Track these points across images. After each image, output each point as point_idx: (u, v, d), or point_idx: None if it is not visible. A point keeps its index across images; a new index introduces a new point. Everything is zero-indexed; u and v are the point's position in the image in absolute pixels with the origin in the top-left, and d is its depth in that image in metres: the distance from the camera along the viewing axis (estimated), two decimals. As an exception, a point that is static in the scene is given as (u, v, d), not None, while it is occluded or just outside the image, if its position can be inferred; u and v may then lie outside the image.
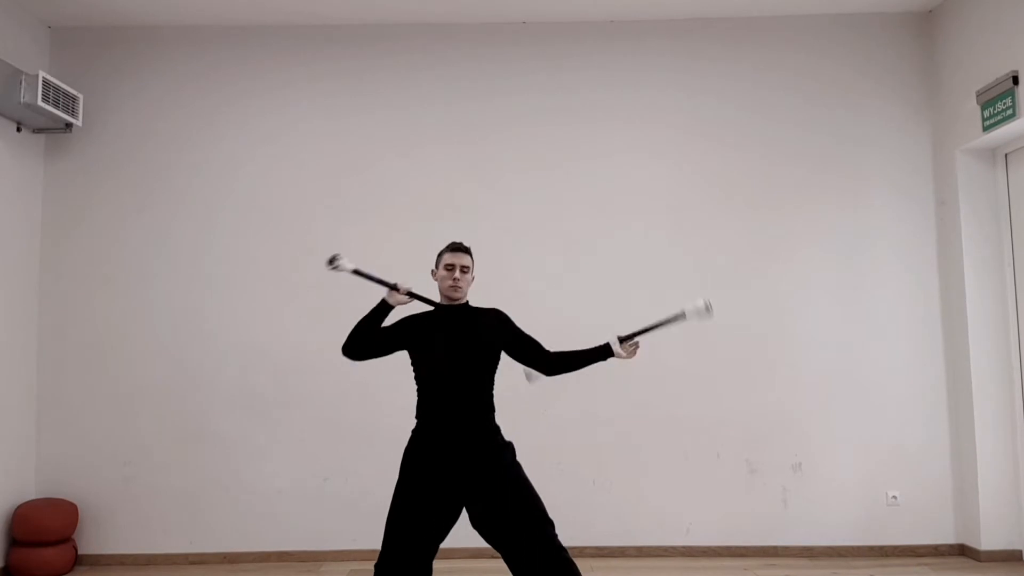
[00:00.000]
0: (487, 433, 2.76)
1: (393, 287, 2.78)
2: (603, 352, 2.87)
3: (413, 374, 2.85)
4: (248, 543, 4.32)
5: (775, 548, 4.30)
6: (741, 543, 4.30)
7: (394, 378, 4.36)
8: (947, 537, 4.29)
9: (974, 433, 4.18)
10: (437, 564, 2.80)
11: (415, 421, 2.82)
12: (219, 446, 4.36)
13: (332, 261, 2.75)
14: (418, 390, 2.82)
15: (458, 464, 2.68)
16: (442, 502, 2.66)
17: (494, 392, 2.83)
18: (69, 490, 4.29)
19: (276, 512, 4.34)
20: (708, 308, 2.78)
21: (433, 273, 2.93)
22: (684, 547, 4.30)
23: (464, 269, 2.86)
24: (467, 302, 2.90)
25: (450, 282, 2.83)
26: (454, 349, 2.76)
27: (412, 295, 2.81)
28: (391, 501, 2.72)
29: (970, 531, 4.23)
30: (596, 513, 4.33)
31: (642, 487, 4.36)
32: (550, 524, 2.66)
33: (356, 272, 2.79)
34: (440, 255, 2.91)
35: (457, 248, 2.90)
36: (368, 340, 2.82)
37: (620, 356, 2.87)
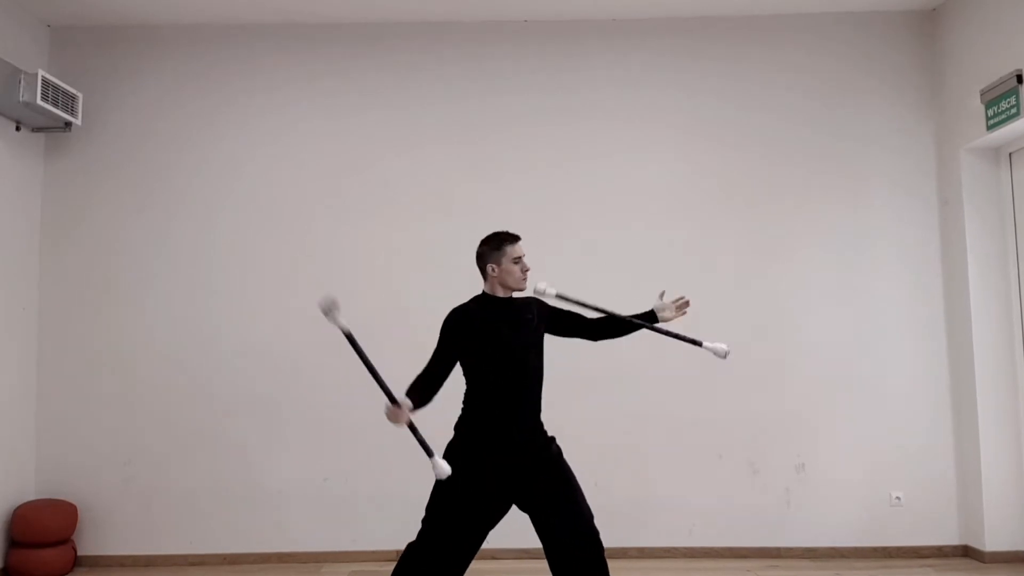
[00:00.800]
0: (538, 426, 2.80)
1: (395, 403, 2.56)
2: (648, 316, 2.97)
3: (464, 366, 2.78)
4: (248, 544, 4.30)
5: (778, 549, 4.28)
6: (744, 544, 4.28)
7: (395, 378, 4.36)
8: (951, 538, 4.27)
9: (978, 433, 4.16)
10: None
11: (463, 411, 2.80)
12: (219, 446, 4.34)
13: (328, 312, 2.64)
14: (474, 383, 2.76)
15: (514, 457, 2.69)
16: (494, 496, 2.67)
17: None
18: (69, 491, 4.27)
19: (277, 513, 4.32)
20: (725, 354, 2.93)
21: (492, 268, 2.80)
22: (687, 548, 4.28)
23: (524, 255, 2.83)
24: None
25: (521, 274, 2.79)
26: (518, 342, 2.75)
27: (412, 427, 2.57)
28: (439, 490, 2.69)
29: (974, 532, 4.20)
30: (598, 514, 4.23)
31: (644, 488, 4.33)
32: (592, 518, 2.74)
33: (350, 340, 2.65)
34: (501, 247, 2.79)
35: (517, 237, 2.84)
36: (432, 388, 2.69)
37: (665, 317, 2.96)
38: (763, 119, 4.50)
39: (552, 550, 2.69)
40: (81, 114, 4.33)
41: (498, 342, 2.72)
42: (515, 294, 2.87)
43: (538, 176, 4.50)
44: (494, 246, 2.82)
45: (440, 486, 2.66)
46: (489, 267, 2.82)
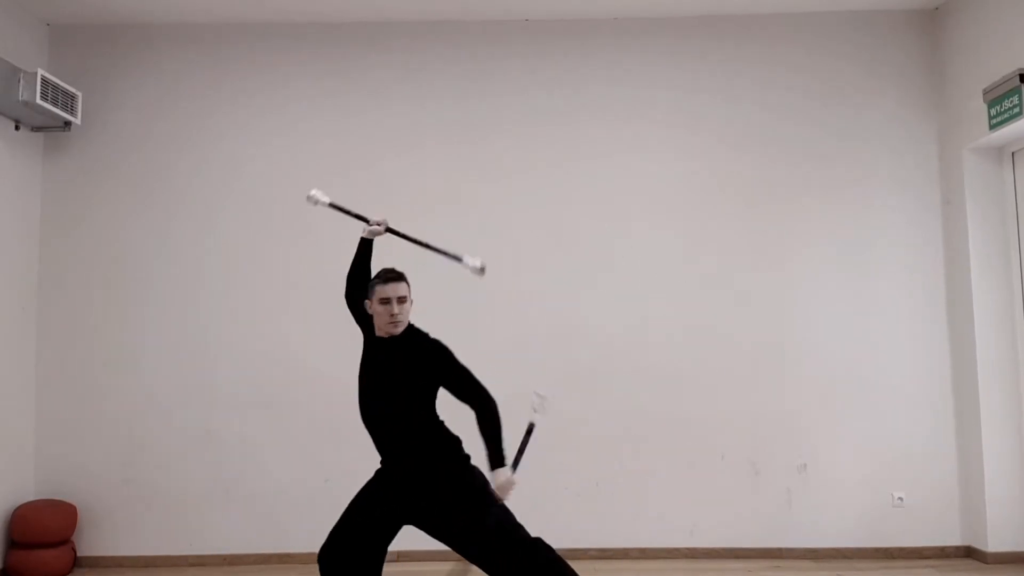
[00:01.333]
0: (413, 459, 2.67)
1: (366, 220, 2.92)
2: (497, 460, 2.63)
3: None
4: (249, 545, 4.29)
5: (779, 550, 4.26)
6: (745, 545, 4.27)
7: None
8: (953, 539, 4.26)
9: (980, 434, 4.14)
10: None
11: None
12: (219, 447, 4.32)
13: (309, 197, 2.94)
14: None
15: (390, 485, 2.70)
16: (380, 513, 2.69)
17: (434, 415, 2.74)
18: (68, 491, 4.26)
19: (277, 514, 4.30)
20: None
21: (367, 305, 2.70)
22: (688, 549, 4.26)
23: (402, 300, 2.63)
24: (407, 329, 2.71)
25: (388, 318, 2.62)
26: (376, 380, 2.69)
27: (390, 229, 2.92)
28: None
29: (976, 533, 4.19)
30: (600, 515, 4.30)
31: (646, 489, 4.32)
32: (510, 530, 2.61)
33: (333, 206, 2.98)
34: (372, 286, 2.68)
35: (390, 278, 2.65)
36: (355, 278, 2.86)
37: (496, 472, 2.64)
38: (764, 118, 4.49)
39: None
40: (80, 113, 4.32)
41: (361, 375, 2.74)
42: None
43: (539, 175, 4.48)
44: (370, 284, 2.70)
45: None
46: (365, 303, 2.73)
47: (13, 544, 4.04)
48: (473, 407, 2.66)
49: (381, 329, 2.68)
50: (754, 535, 4.28)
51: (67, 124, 4.31)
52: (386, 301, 2.62)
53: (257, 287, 4.42)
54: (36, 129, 4.33)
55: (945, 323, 4.37)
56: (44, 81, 4.01)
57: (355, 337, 4.37)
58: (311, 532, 4.28)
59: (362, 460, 4.31)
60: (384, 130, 4.52)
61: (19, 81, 3.96)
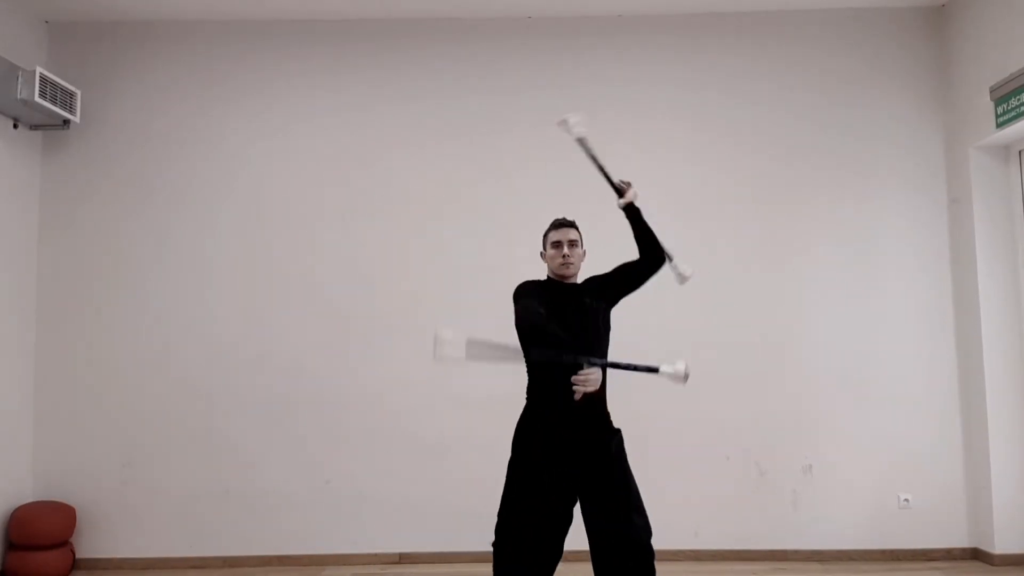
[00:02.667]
0: (600, 419, 2.75)
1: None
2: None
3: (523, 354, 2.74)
4: (249, 547, 4.25)
5: (785, 552, 4.23)
6: (750, 547, 4.24)
7: (396, 379, 4.33)
8: (960, 540, 4.22)
9: (987, 435, 4.11)
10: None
11: (525, 401, 2.79)
12: (219, 448, 4.29)
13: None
14: (530, 371, 2.76)
15: (571, 450, 2.65)
16: (558, 493, 2.63)
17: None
18: (67, 493, 4.22)
19: (277, 515, 4.27)
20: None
21: (542, 255, 2.91)
22: (693, 551, 4.23)
23: (572, 243, 2.82)
24: (575, 281, 2.86)
25: (560, 260, 2.80)
26: (570, 322, 2.67)
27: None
28: (507, 487, 2.69)
29: (983, 534, 4.16)
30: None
31: (650, 490, 4.21)
32: (647, 531, 2.73)
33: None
34: (546, 235, 2.90)
35: (561, 224, 2.87)
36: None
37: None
38: (770, 116, 4.45)
39: (597, 554, 2.65)
40: (79, 111, 4.28)
41: (547, 320, 2.65)
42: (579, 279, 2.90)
43: (540, 174, 4.44)
44: (545, 232, 2.90)
45: (507, 485, 2.64)
46: (540, 253, 2.92)
47: (11, 546, 4.01)
48: (638, 267, 2.97)
49: (556, 272, 2.83)
50: (759, 537, 4.25)
51: (66, 122, 4.27)
52: (558, 245, 2.82)
53: (258, 286, 4.39)
54: (35, 127, 4.30)
55: (951, 323, 4.33)
56: (43, 79, 3.98)
57: (355, 338, 4.36)
58: (312, 534, 4.29)
59: (363, 461, 4.32)
60: (386, 127, 4.48)
61: (18, 79, 3.93)
